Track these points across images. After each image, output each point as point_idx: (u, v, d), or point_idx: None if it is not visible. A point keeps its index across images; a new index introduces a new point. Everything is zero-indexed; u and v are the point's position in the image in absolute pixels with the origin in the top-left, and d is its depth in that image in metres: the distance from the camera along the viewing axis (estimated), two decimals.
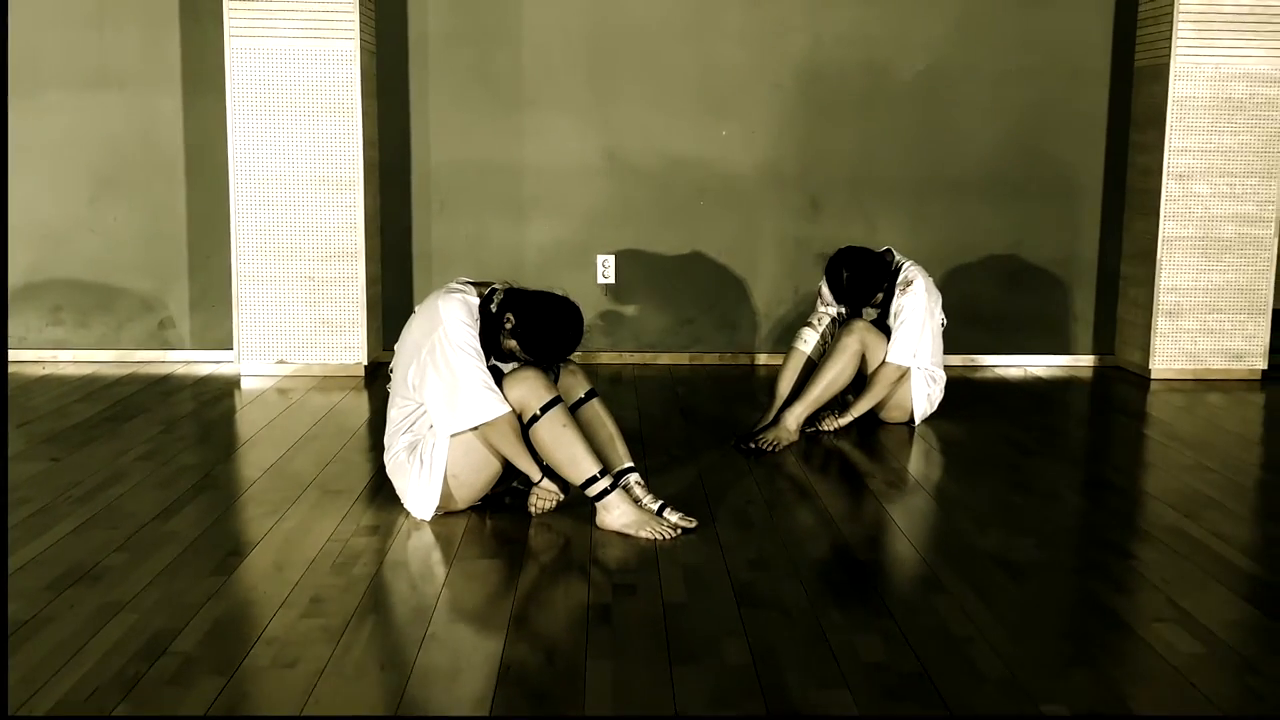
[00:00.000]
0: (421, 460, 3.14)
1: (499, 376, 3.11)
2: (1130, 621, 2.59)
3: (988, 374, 5.43)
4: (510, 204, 5.44)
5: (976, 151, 5.50)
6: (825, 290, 4.35)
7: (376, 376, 5.06)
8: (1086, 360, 5.63)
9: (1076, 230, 5.57)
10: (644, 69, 5.42)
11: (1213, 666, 2.36)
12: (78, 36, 5.21)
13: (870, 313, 4.29)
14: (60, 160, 5.28)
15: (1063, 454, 4.20)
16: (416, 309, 3.24)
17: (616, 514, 3.09)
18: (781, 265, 5.53)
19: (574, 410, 3.23)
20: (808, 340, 4.25)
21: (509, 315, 3.13)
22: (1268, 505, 3.60)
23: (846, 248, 4.30)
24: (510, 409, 3.07)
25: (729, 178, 5.48)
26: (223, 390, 4.84)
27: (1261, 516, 3.49)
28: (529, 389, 3.08)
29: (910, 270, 4.24)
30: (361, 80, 4.99)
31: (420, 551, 2.99)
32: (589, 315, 5.34)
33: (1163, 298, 5.23)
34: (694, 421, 4.39)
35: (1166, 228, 5.19)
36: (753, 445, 3.97)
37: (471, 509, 3.26)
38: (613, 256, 5.49)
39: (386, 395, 3.33)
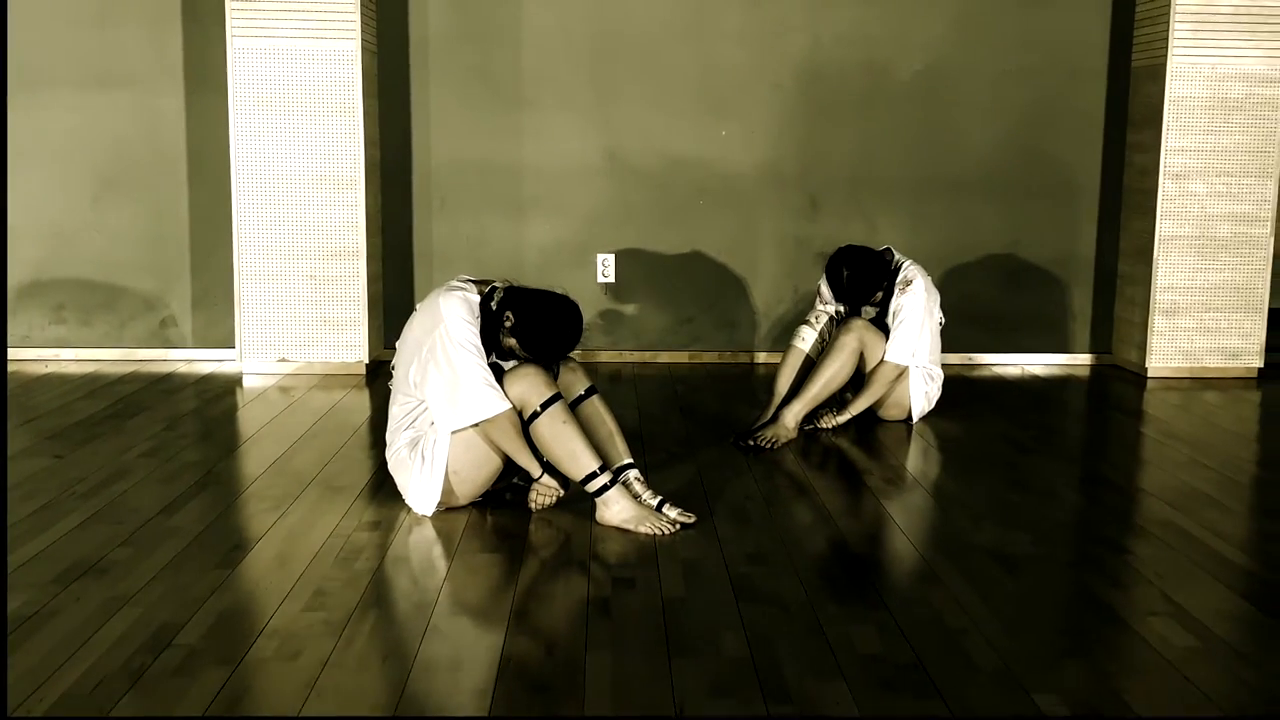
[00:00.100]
0: (423, 456, 3.17)
1: (500, 374, 3.14)
2: (1124, 615, 2.62)
3: (986, 372, 5.46)
4: (511, 203, 5.47)
5: (975, 151, 5.53)
6: (824, 289, 4.38)
7: (378, 374, 5.09)
8: (1084, 359, 5.66)
9: (1074, 229, 5.60)
10: (644, 69, 5.44)
11: (1206, 660, 2.39)
12: (80, 37, 5.24)
13: (869, 311, 4.32)
14: (63, 160, 5.31)
15: (1060, 451, 4.23)
16: (418, 307, 3.27)
17: (616, 509, 3.12)
18: (781, 264, 5.56)
19: (574, 407, 3.26)
20: (806, 338, 4.28)
21: (508, 313, 3.16)
22: (1263, 501, 3.63)
23: (847, 246, 4.33)
24: (511, 406, 3.10)
25: (729, 177, 5.51)
26: (225, 388, 4.87)
27: (1256, 512, 3.52)
28: (529, 386, 3.11)
29: (909, 269, 4.27)
30: (363, 80, 5.02)
31: (422, 546, 3.02)
32: (589, 314, 5.37)
33: (1159, 296, 5.26)
34: (693, 419, 4.42)
35: (1163, 227, 5.22)
36: (751, 442, 4.00)
37: (472, 505, 3.29)
38: (612, 256, 5.52)
39: (388, 393, 3.36)
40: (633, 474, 3.25)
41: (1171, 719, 2.15)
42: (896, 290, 4.23)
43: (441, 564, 2.91)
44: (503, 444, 3.14)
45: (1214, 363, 5.31)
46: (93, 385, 4.85)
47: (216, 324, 5.41)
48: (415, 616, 2.57)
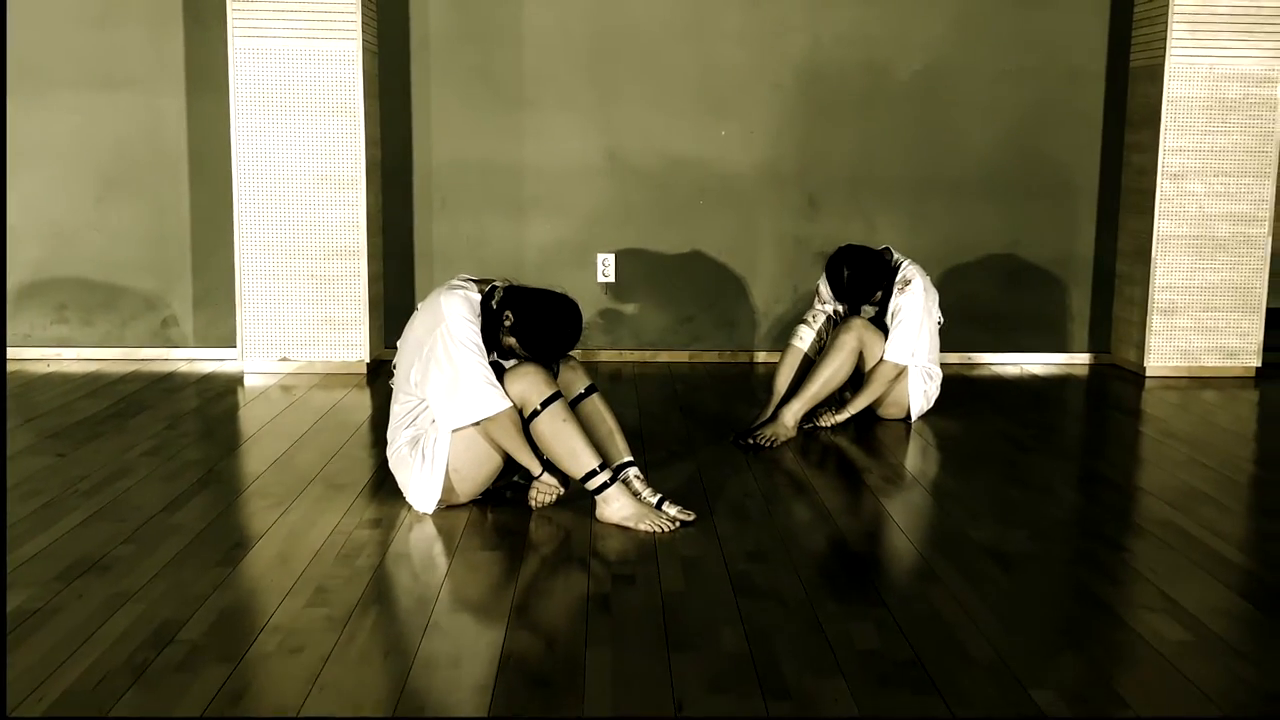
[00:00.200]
0: (423, 454, 3.19)
1: (500, 372, 3.16)
2: (1120, 611, 2.64)
3: (985, 372, 5.47)
4: (511, 203, 5.49)
5: (974, 151, 5.55)
6: (823, 288, 4.40)
7: (379, 374, 5.11)
8: (1083, 358, 5.67)
9: (1073, 229, 5.62)
10: (644, 69, 5.46)
11: (1201, 655, 2.40)
12: (82, 37, 5.26)
13: (868, 310, 4.33)
14: (65, 160, 5.33)
15: (1058, 450, 4.25)
16: (419, 306, 3.29)
17: (616, 507, 3.13)
18: (780, 264, 5.58)
19: (574, 405, 3.28)
20: (804, 337, 4.30)
21: (508, 313, 3.18)
22: (1259, 500, 3.65)
23: (846, 246, 4.35)
24: (511, 404, 3.12)
25: (728, 177, 5.52)
26: (226, 387, 4.89)
27: (1253, 511, 3.54)
28: (529, 384, 3.13)
29: (908, 269, 4.28)
30: (363, 80, 5.03)
31: (422, 543, 3.04)
32: (589, 314, 5.40)
33: (1158, 296, 5.28)
34: (693, 418, 4.44)
35: (1161, 226, 5.24)
36: (751, 441, 4.02)
37: (473, 503, 3.31)
38: (613, 255, 5.54)
39: (389, 392, 3.38)
40: (632, 472, 3.27)
41: (1167, 719, 2.16)
42: (895, 290, 4.25)
43: (442, 561, 2.93)
44: (503, 442, 3.16)
45: (1212, 362, 5.33)
46: (94, 384, 4.86)
47: (218, 323, 5.43)
48: (416, 613, 2.59)
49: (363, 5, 5.00)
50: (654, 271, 5.56)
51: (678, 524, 3.14)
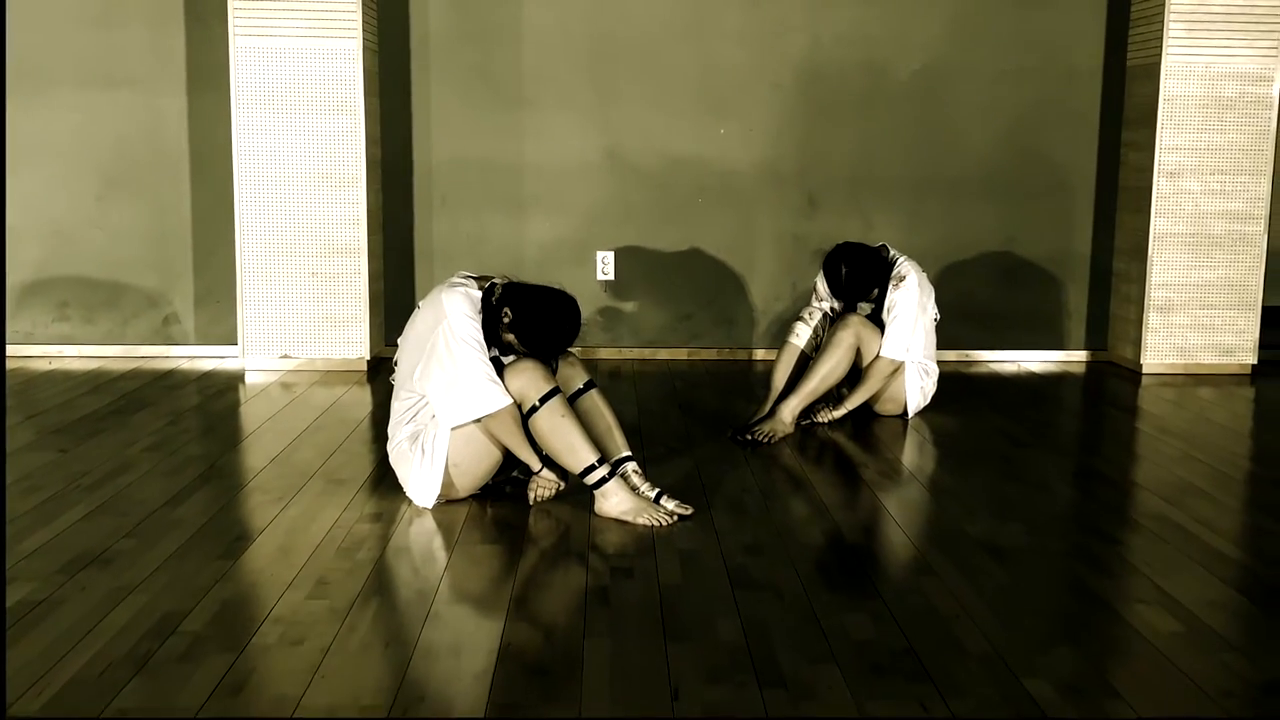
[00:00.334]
0: (423, 450, 3.21)
1: (500, 368, 3.18)
2: (1113, 603, 2.67)
3: (982, 369, 5.50)
4: (511, 201, 5.51)
5: (972, 150, 5.57)
6: (820, 285, 4.42)
7: (379, 371, 5.13)
8: (1079, 355, 5.70)
9: (1070, 227, 5.64)
10: (644, 68, 5.49)
11: (1192, 646, 2.43)
12: (83, 36, 5.29)
13: (865, 307, 4.36)
14: (67, 159, 5.35)
15: (1054, 446, 4.27)
16: (420, 303, 3.31)
17: (614, 501, 3.16)
18: (779, 262, 5.60)
19: (572, 401, 3.30)
20: (801, 334, 4.33)
21: (506, 309, 3.20)
22: (1254, 495, 3.67)
23: (844, 244, 4.38)
24: (512, 401, 3.14)
25: (728, 176, 5.55)
26: (227, 384, 4.91)
27: (1247, 506, 3.56)
28: (528, 380, 3.15)
29: (904, 266, 4.31)
30: (364, 79, 5.06)
31: (422, 537, 3.06)
32: (589, 311, 5.43)
33: (1154, 293, 5.30)
34: (692, 415, 4.46)
35: (1158, 224, 5.26)
36: (749, 437, 4.04)
37: (472, 497, 3.33)
38: (612, 253, 5.56)
39: (389, 388, 3.40)
40: (631, 466, 3.30)
41: (1162, 718, 2.19)
42: (890, 286, 4.27)
43: (442, 554, 2.95)
44: (503, 438, 3.18)
45: (1208, 359, 5.35)
46: (96, 381, 4.89)
47: (219, 321, 5.46)
48: (416, 604, 2.61)
49: (363, 4, 5.03)
50: (653, 269, 5.59)
51: (676, 518, 3.16)
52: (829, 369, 4.18)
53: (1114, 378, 5.35)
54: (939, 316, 4.46)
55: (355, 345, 5.17)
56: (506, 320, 3.20)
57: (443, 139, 5.47)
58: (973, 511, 3.33)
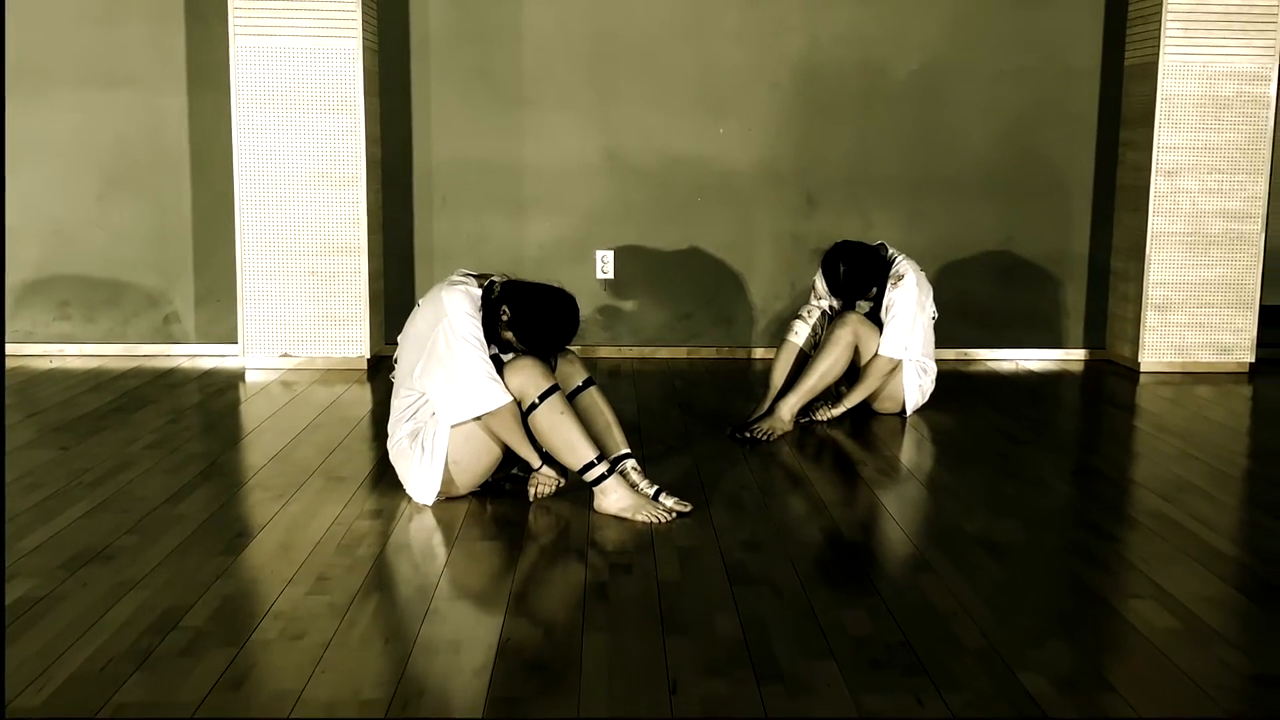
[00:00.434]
0: (423, 447, 3.23)
1: (499, 365, 3.19)
2: (1109, 599, 2.68)
3: (980, 368, 5.51)
4: (511, 201, 5.53)
5: (970, 149, 5.59)
6: (819, 284, 4.43)
7: (379, 369, 5.15)
8: (1078, 354, 5.71)
9: (1068, 226, 5.66)
10: (643, 68, 5.50)
11: (1187, 641, 2.44)
12: (84, 35, 5.30)
13: (863, 306, 4.37)
14: (67, 158, 5.37)
15: (1052, 444, 4.28)
16: (420, 302, 3.32)
17: (614, 498, 3.17)
18: (778, 261, 5.62)
19: (572, 398, 3.31)
20: (799, 333, 4.34)
21: (505, 307, 3.22)
22: (1250, 492, 3.69)
23: (843, 242, 4.39)
24: (512, 398, 3.15)
25: (727, 175, 5.56)
26: (228, 383, 4.93)
27: (1244, 503, 3.58)
28: (527, 377, 3.17)
29: (902, 264, 4.32)
30: (364, 78, 5.07)
31: (422, 534, 3.08)
32: (588, 310, 5.45)
33: (1152, 292, 5.31)
34: (691, 413, 4.48)
35: (1155, 223, 5.28)
36: (748, 435, 4.06)
37: (472, 494, 3.34)
38: (612, 252, 5.58)
39: (389, 386, 3.42)
40: (630, 463, 3.31)
41: (1158, 719, 2.20)
42: (889, 285, 4.29)
43: (442, 551, 2.97)
44: (503, 435, 3.19)
45: (1206, 357, 5.37)
46: (97, 380, 4.90)
47: (219, 320, 5.47)
48: (416, 600, 2.63)
49: (363, 4, 5.04)
50: (653, 268, 5.60)
51: (674, 515, 3.18)
52: (827, 367, 4.19)
53: (1112, 376, 5.37)
54: (937, 315, 4.47)
55: (355, 344, 5.19)
56: (505, 318, 3.22)
57: (443, 139, 5.49)
58: (970, 508, 3.34)
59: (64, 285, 5.43)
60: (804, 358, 4.30)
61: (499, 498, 3.35)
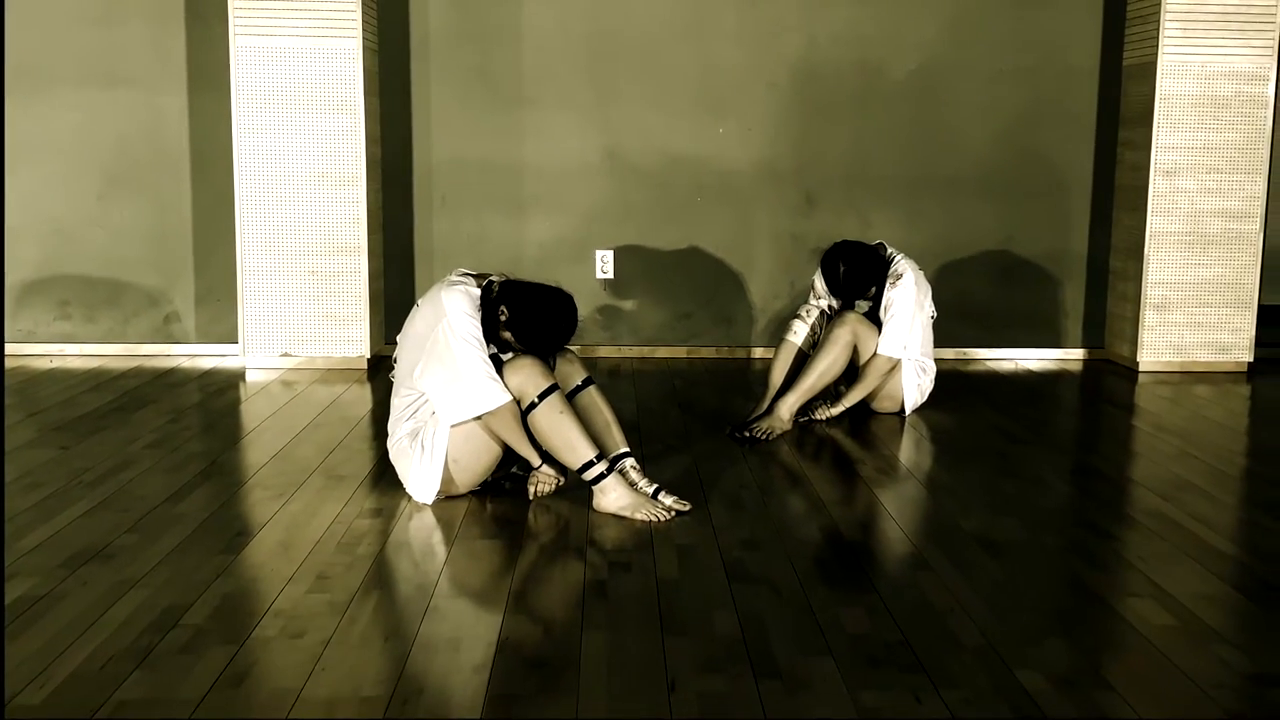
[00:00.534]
0: (423, 446, 3.23)
1: (498, 365, 3.20)
2: (1107, 597, 2.69)
3: (979, 367, 5.52)
4: (511, 200, 5.54)
5: (969, 149, 5.59)
6: (818, 283, 4.44)
7: (379, 369, 5.16)
8: (1076, 354, 5.72)
9: (1067, 226, 5.67)
10: (643, 68, 5.51)
11: (1185, 639, 2.45)
12: (84, 35, 5.31)
13: (862, 305, 4.38)
14: (68, 158, 5.37)
15: (1050, 443, 4.29)
16: (419, 301, 3.33)
17: (613, 497, 3.18)
18: (777, 260, 5.63)
19: (571, 397, 3.32)
20: (798, 332, 4.35)
21: (503, 307, 3.22)
22: (1248, 491, 3.70)
23: (842, 242, 4.40)
24: (511, 398, 3.16)
25: (726, 175, 5.57)
26: (228, 383, 4.94)
27: (1243, 502, 3.58)
28: (526, 376, 3.17)
29: (900, 264, 4.33)
30: (364, 78, 5.08)
31: (422, 532, 3.08)
32: (588, 310, 5.46)
33: (1151, 292, 5.32)
34: (690, 413, 4.49)
35: (1154, 223, 5.28)
36: (747, 434, 4.06)
37: (472, 493, 3.35)
38: (611, 252, 5.59)
39: (389, 386, 3.42)
40: (629, 462, 3.32)
41: (1154, 714, 2.21)
42: (887, 284, 4.30)
43: (441, 549, 2.97)
44: (503, 434, 3.20)
45: (1204, 357, 5.37)
46: (97, 380, 4.91)
47: (220, 320, 5.48)
48: (416, 598, 2.63)
49: (363, 4, 5.05)
50: (652, 268, 5.61)
51: (674, 513, 3.19)
52: (826, 366, 4.20)
53: (1111, 375, 5.37)
54: (936, 314, 4.48)
55: (355, 343, 5.20)
56: (504, 318, 3.22)
57: (443, 139, 5.50)
58: (968, 507, 3.35)
59: (64, 285, 5.44)
60: (803, 357, 4.31)
61: (499, 496, 3.35)
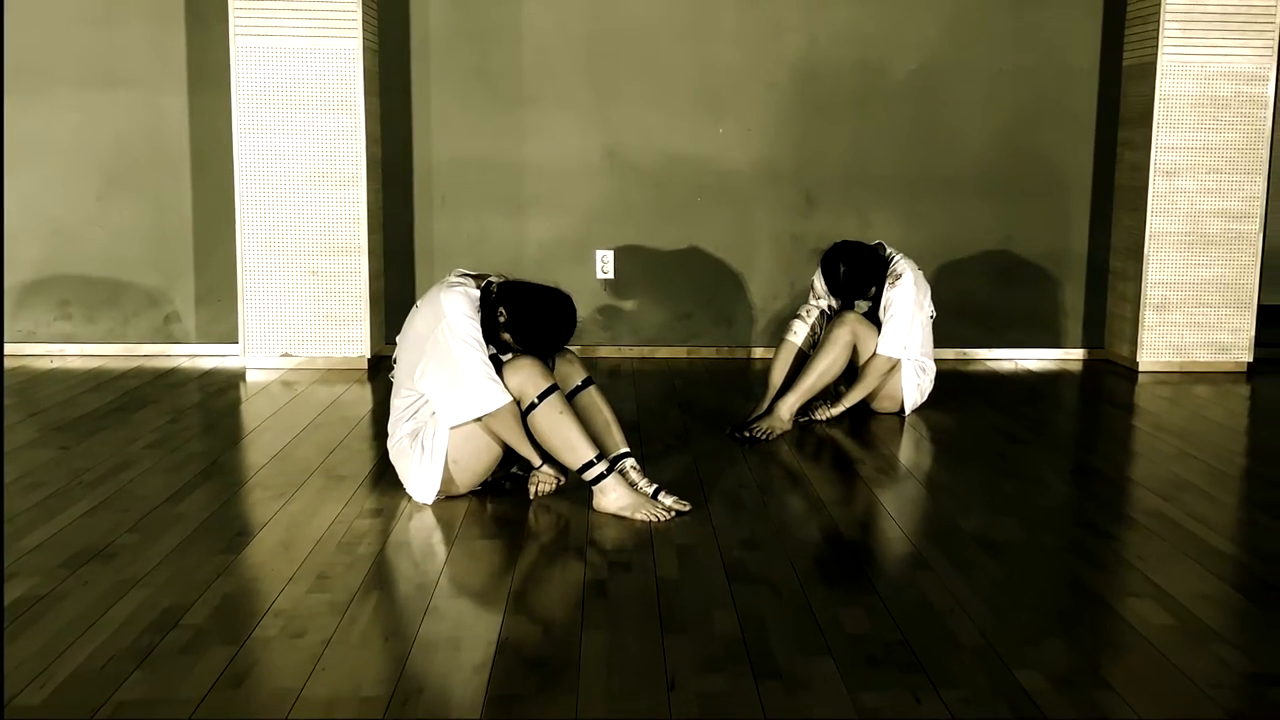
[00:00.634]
0: (423, 446, 3.24)
1: (498, 365, 3.20)
2: (1106, 597, 2.69)
3: (979, 367, 5.52)
4: (511, 200, 5.54)
5: (969, 149, 5.60)
6: (818, 283, 4.44)
7: (379, 369, 5.16)
8: (1076, 354, 5.72)
9: (1066, 226, 5.67)
10: (643, 68, 5.51)
11: (1184, 638, 2.45)
12: (84, 35, 5.31)
13: (862, 305, 4.38)
14: (68, 158, 5.38)
15: (1050, 443, 4.29)
16: (419, 302, 3.33)
17: (613, 497, 3.18)
18: (777, 260, 5.63)
19: (571, 397, 3.32)
20: (798, 332, 4.35)
21: (502, 309, 3.23)
22: (1248, 491, 3.70)
23: (842, 242, 4.40)
24: (511, 398, 3.16)
25: (726, 175, 5.57)
26: (228, 383, 4.94)
27: (1242, 502, 3.58)
28: (526, 377, 3.17)
29: (900, 264, 4.33)
30: (364, 78, 5.08)
31: (422, 532, 3.08)
32: (588, 310, 5.46)
33: (1150, 292, 5.33)
34: (690, 413, 4.49)
35: (1154, 223, 5.29)
36: (747, 434, 4.07)
37: (472, 493, 3.35)
38: (611, 252, 5.59)
39: (389, 386, 3.43)
40: (629, 462, 3.32)
41: (1153, 714, 2.21)
42: (887, 284, 4.30)
43: (441, 549, 2.97)
44: (503, 435, 3.20)
45: (1204, 357, 5.38)
46: (98, 380, 4.91)
47: (220, 320, 5.48)
48: (416, 598, 2.64)
49: (363, 4, 5.05)
50: (652, 268, 5.61)
51: (673, 513, 3.19)
52: (826, 366, 4.20)
53: (1110, 375, 5.38)
54: (935, 314, 4.48)
55: (355, 344, 5.20)
56: (503, 319, 3.23)
57: (443, 138, 5.50)
58: (968, 507, 3.35)
59: (64, 285, 5.44)
60: (803, 357, 4.31)
61: (499, 496, 3.36)
